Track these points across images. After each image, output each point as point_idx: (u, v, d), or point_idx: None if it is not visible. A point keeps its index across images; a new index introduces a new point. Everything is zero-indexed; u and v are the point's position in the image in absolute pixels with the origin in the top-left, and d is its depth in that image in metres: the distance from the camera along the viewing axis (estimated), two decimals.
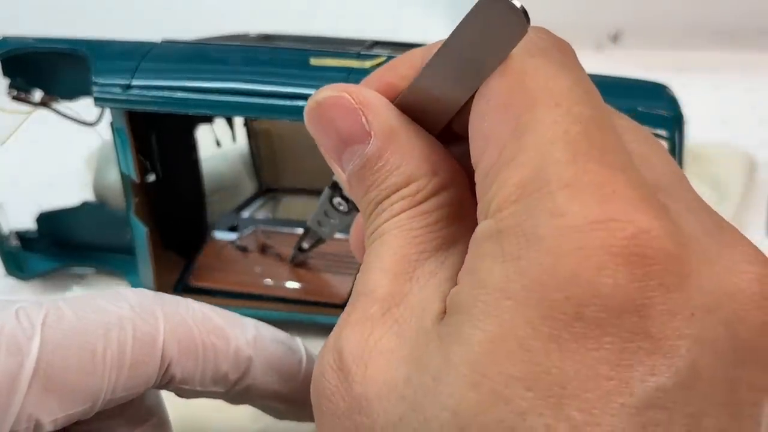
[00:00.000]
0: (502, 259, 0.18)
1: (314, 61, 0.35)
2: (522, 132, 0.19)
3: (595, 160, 0.18)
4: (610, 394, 0.17)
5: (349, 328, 0.21)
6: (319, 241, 0.39)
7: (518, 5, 0.19)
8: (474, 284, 0.19)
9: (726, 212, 0.46)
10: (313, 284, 0.41)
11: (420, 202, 0.22)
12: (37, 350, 0.22)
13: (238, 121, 0.44)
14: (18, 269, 0.43)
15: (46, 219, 0.43)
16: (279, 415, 0.28)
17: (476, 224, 0.21)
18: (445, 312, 0.20)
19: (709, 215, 0.20)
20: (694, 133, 0.37)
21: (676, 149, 0.34)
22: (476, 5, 0.20)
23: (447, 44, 0.21)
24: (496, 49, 0.20)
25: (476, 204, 0.21)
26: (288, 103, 0.34)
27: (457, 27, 0.21)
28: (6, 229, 0.42)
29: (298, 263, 0.41)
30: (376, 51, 0.36)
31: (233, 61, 0.35)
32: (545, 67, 0.20)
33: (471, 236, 0.21)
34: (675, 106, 0.34)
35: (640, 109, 0.33)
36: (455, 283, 0.20)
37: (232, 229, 0.44)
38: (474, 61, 0.21)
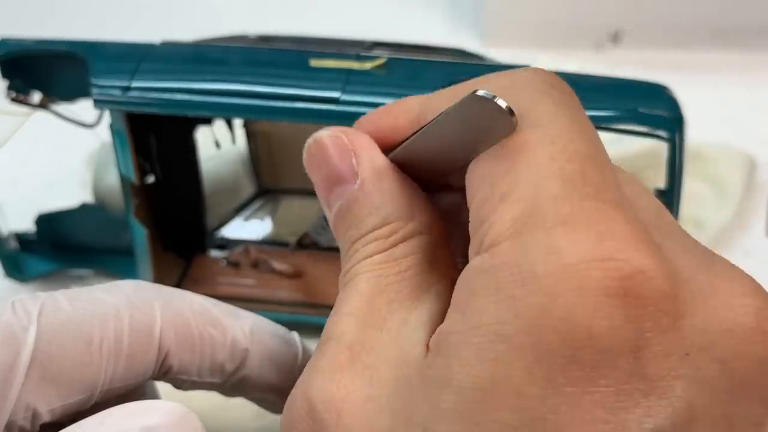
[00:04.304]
0: (495, 297, 0.18)
1: (314, 63, 0.35)
2: (518, 169, 0.19)
3: (592, 197, 0.18)
4: None
5: (318, 374, 0.21)
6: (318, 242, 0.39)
7: (504, 105, 0.19)
8: (465, 324, 0.18)
9: (726, 212, 0.46)
10: (313, 291, 0.41)
11: (392, 246, 0.22)
12: (34, 340, 0.22)
13: (238, 122, 0.44)
14: (17, 271, 0.43)
15: (45, 221, 0.43)
16: (274, 408, 0.28)
17: (450, 271, 0.22)
18: (425, 355, 0.19)
19: (700, 250, 0.20)
20: (694, 133, 0.37)
21: (676, 150, 0.33)
22: (462, 100, 0.19)
23: (435, 125, 0.21)
24: (483, 138, 0.20)
25: (450, 253, 0.21)
26: (287, 104, 0.33)
27: (444, 113, 0.21)
28: (5, 231, 0.42)
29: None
30: (375, 52, 0.36)
31: (233, 62, 0.35)
32: (543, 108, 0.20)
33: (444, 283, 0.21)
34: (675, 107, 0.34)
35: (640, 109, 0.33)
36: (430, 329, 0.20)
37: (221, 247, 0.44)
38: (462, 142, 0.20)
